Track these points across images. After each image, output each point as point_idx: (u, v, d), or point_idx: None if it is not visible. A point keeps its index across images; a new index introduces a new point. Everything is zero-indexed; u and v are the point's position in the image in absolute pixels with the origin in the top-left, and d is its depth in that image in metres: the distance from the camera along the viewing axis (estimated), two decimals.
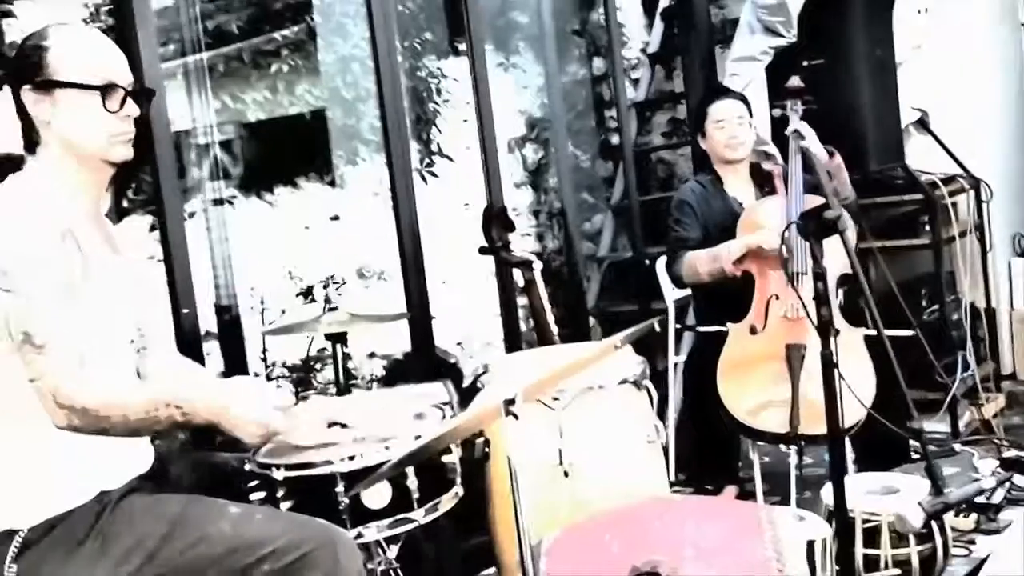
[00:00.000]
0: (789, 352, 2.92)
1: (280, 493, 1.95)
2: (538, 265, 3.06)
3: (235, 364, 3.62)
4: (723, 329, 3.16)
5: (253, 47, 4.13)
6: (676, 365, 3.94)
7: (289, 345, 3.81)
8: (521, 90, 4.89)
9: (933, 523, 2.51)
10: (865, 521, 2.57)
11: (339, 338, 2.83)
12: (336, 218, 4.23)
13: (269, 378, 3.78)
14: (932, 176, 4.17)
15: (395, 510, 1.97)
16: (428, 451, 1.79)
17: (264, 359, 3.77)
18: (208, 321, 3.61)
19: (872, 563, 2.57)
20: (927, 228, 4.06)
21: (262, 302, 3.89)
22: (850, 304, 3.22)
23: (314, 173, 4.22)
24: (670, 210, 3.48)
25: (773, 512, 2.03)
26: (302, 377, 3.90)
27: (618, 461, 2.40)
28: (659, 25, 5.20)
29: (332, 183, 4.27)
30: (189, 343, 2.63)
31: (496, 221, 3.10)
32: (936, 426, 3.84)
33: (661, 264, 3.73)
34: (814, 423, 2.60)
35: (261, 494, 1.98)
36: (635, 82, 5.26)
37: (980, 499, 2.93)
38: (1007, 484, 3.05)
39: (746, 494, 3.39)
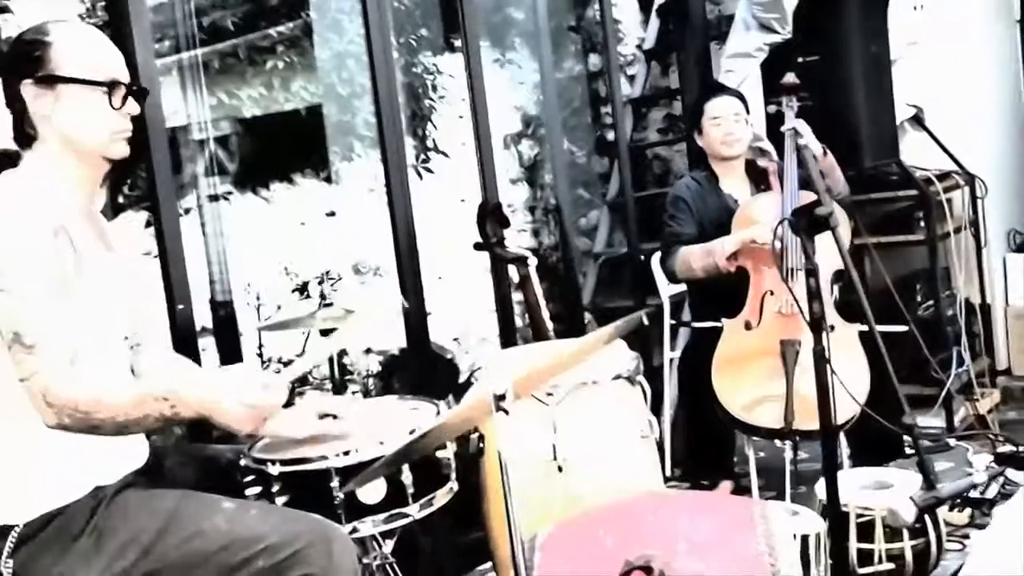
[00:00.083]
0: (784, 348, 2.93)
1: (276, 488, 1.96)
2: (533, 261, 3.06)
3: (231, 360, 3.61)
4: (718, 325, 3.17)
5: (249, 43, 4.12)
6: (671, 361, 3.95)
7: (285, 341, 3.81)
8: (517, 86, 4.89)
9: (926, 517, 2.52)
10: (859, 516, 2.59)
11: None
12: (332, 214, 4.22)
13: None
14: (927, 172, 4.18)
15: (390, 505, 1.98)
16: (422, 446, 1.80)
17: (260, 355, 3.77)
18: (204, 317, 3.61)
19: (866, 557, 2.58)
20: (922, 224, 4.07)
21: (258, 298, 3.89)
22: (845, 300, 3.23)
23: (310, 169, 4.21)
24: (665, 206, 3.50)
25: (766, 507, 2.04)
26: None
27: (612, 456, 2.41)
28: (655, 21, 5.20)
29: (328, 179, 4.26)
30: (185, 339, 2.64)
31: (491, 217, 3.10)
32: (931, 421, 3.86)
33: (656, 260, 3.74)
34: (809, 418, 2.62)
35: (257, 489, 1.99)
36: (631, 78, 5.26)
37: (974, 494, 2.95)
38: (1000, 479, 3.07)
39: (741, 489, 3.41)
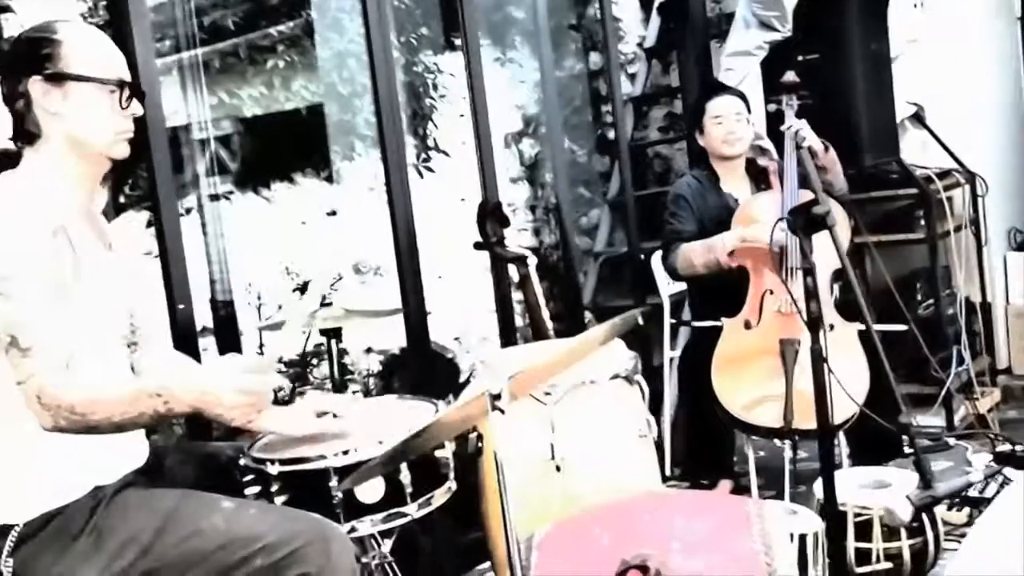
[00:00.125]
0: (783, 347, 2.93)
1: (275, 488, 1.96)
2: (533, 260, 3.06)
3: None
4: (718, 324, 3.18)
5: (249, 43, 4.13)
6: (671, 360, 3.96)
7: (285, 341, 3.81)
8: (517, 85, 4.89)
9: (924, 516, 2.52)
10: (857, 515, 2.59)
11: (334, 333, 2.84)
12: (332, 213, 4.23)
13: None
14: (927, 170, 4.18)
15: (389, 504, 1.98)
16: (418, 445, 1.80)
17: (260, 355, 3.78)
18: (204, 317, 3.62)
19: (864, 556, 2.58)
20: (922, 223, 4.07)
21: (258, 297, 3.90)
22: (845, 299, 3.23)
23: (310, 168, 4.22)
24: (666, 204, 3.50)
25: (763, 506, 2.04)
26: (298, 372, 3.91)
27: (610, 456, 2.41)
28: (655, 20, 5.20)
29: (328, 178, 4.27)
30: (185, 339, 2.64)
31: (491, 216, 3.10)
32: (931, 420, 3.86)
33: (657, 259, 3.74)
34: (808, 418, 2.61)
35: (256, 488, 2.00)
36: (631, 77, 5.26)
37: (972, 493, 2.95)
38: (999, 478, 3.07)
39: (741, 488, 3.42)
